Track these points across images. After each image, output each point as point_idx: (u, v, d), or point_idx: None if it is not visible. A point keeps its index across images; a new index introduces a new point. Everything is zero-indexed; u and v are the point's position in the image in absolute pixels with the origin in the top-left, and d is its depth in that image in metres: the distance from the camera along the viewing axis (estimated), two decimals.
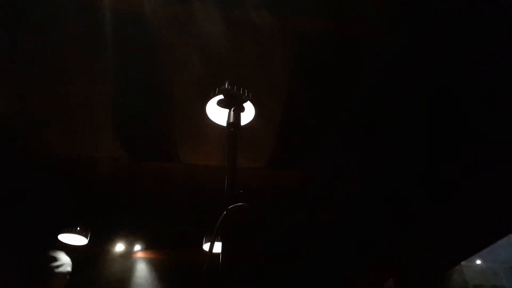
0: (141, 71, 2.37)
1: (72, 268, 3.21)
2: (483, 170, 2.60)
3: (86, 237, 3.85)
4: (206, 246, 4.08)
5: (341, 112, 2.71)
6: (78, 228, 3.75)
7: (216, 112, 1.69)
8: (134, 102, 2.64)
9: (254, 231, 3.62)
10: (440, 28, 2.06)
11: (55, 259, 3.10)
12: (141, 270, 4.74)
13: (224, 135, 1.40)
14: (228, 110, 1.46)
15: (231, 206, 1.19)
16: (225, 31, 2.09)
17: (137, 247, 4.86)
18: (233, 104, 1.46)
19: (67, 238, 3.82)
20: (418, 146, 2.87)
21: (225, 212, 1.18)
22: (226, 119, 1.45)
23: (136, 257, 4.83)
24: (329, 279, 4.82)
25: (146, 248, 4.88)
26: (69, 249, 3.57)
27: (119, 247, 4.81)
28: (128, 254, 4.81)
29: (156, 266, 4.79)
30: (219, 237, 1.19)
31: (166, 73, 2.38)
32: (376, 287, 4.04)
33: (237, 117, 1.44)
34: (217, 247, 1.17)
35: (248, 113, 1.72)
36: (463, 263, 3.02)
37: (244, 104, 1.50)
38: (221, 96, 1.52)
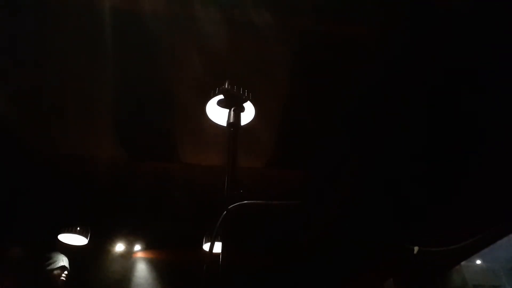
0: (141, 71, 2.37)
1: (72, 268, 3.22)
2: (484, 169, 2.60)
3: (86, 237, 3.85)
4: (206, 246, 4.08)
5: (341, 112, 2.71)
6: (78, 228, 3.75)
7: (216, 112, 1.69)
8: (134, 102, 2.64)
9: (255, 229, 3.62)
10: (440, 27, 2.06)
11: (54, 259, 3.13)
12: (141, 270, 4.74)
13: (224, 135, 1.41)
14: (228, 110, 1.47)
15: (231, 206, 1.19)
16: (225, 31, 2.09)
17: (137, 247, 4.86)
18: (233, 104, 1.46)
19: (67, 238, 3.82)
20: (418, 146, 2.87)
21: (225, 212, 1.18)
22: (226, 119, 1.45)
23: (136, 257, 4.83)
24: (329, 279, 4.81)
25: (146, 248, 4.88)
26: (69, 249, 3.57)
27: (119, 247, 4.80)
28: (128, 254, 4.81)
29: (156, 266, 4.78)
30: (219, 237, 1.19)
31: (166, 73, 2.38)
32: (376, 287, 4.04)
33: (237, 117, 1.44)
34: (217, 247, 1.17)
35: (248, 113, 1.72)
36: (463, 263, 3.02)
37: (244, 104, 1.50)
38: (221, 96, 1.52)
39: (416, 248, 2.78)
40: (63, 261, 3.17)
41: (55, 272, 3.07)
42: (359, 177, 3.39)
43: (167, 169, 3.46)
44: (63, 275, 3.17)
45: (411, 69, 2.30)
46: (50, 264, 3.08)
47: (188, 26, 2.06)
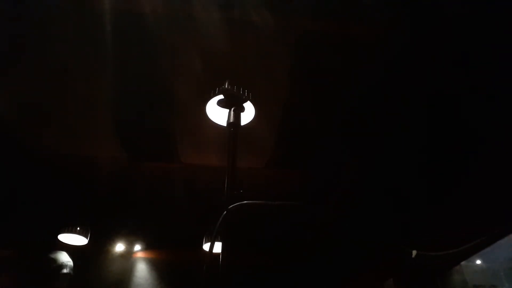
0: (141, 71, 2.37)
1: (73, 268, 3.21)
2: (484, 169, 2.60)
3: (86, 237, 3.85)
4: (206, 246, 4.08)
5: (341, 112, 2.71)
6: (78, 228, 3.76)
7: (216, 112, 1.69)
8: (134, 102, 2.64)
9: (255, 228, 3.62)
10: (440, 28, 2.06)
11: (56, 259, 3.11)
12: (141, 270, 4.74)
13: (224, 135, 1.41)
14: (228, 110, 1.47)
15: (231, 206, 1.19)
16: (225, 31, 2.09)
17: (137, 247, 4.86)
18: (233, 104, 1.47)
19: (67, 238, 3.82)
20: (418, 146, 2.88)
21: (225, 212, 1.18)
22: (226, 119, 1.45)
23: (136, 257, 4.83)
24: (329, 279, 4.82)
25: (146, 248, 4.88)
26: (69, 249, 3.57)
27: (119, 247, 4.80)
28: (128, 254, 4.81)
29: (156, 266, 4.79)
30: (219, 237, 1.19)
31: (166, 73, 2.38)
32: (376, 287, 4.04)
33: (237, 117, 1.44)
34: (217, 247, 1.17)
35: (248, 113, 1.72)
36: (463, 263, 3.02)
37: (244, 104, 1.50)
38: (221, 96, 1.52)
39: (414, 252, 2.78)
40: (67, 267, 3.14)
41: (59, 277, 3.05)
42: (359, 177, 3.39)
43: (167, 169, 3.46)
44: (67, 279, 3.14)
45: (411, 69, 2.30)
46: (56, 268, 3.05)
47: (188, 26, 2.06)
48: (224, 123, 1.49)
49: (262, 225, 3.85)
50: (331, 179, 3.46)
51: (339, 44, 2.20)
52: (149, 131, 2.93)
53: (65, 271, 3.05)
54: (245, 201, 1.20)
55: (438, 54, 2.19)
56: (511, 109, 2.30)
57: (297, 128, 2.89)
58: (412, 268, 3.24)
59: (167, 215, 4.18)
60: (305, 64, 2.33)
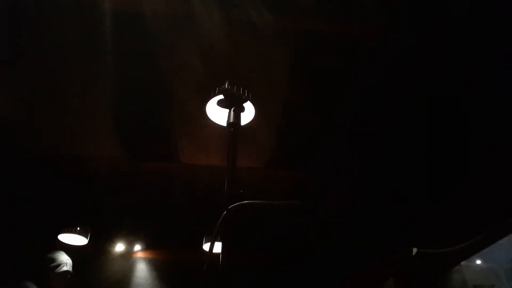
0: (141, 71, 2.37)
1: (72, 268, 3.21)
2: (483, 169, 2.60)
3: (86, 237, 3.85)
4: (206, 246, 4.08)
5: (341, 112, 2.71)
6: (78, 228, 3.75)
7: (216, 112, 1.69)
8: (134, 102, 2.64)
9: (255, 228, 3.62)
10: (440, 28, 2.06)
11: (55, 259, 3.11)
12: (141, 270, 4.74)
13: (224, 135, 1.41)
14: (228, 110, 1.47)
15: (231, 206, 1.19)
16: (225, 31, 2.09)
17: (137, 247, 4.86)
18: (233, 104, 1.47)
19: (67, 238, 3.82)
20: (418, 146, 2.87)
21: (225, 212, 1.18)
22: (226, 119, 1.45)
23: (136, 257, 4.83)
24: (329, 279, 4.81)
25: (146, 248, 4.88)
26: (69, 249, 3.57)
27: (119, 247, 4.80)
28: (128, 254, 4.81)
29: (156, 266, 4.78)
30: (219, 237, 1.19)
31: (166, 73, 2.38)
32: (376, 287, 4.04)
33: (237, 117, 1.44)
34: (217, 247, 1.17)
35: (248, 113, 1.72)
36: (463, 263, 3.02)
37: (244, 104, 1.50)
38: (221, 96, 1.52)
39: (414, 250, 2.78)
40: (67, 265, 3.14)
41: (58, 276, 3.05)
42: (359, 177, 3.39)
43: (167, 169, 3.46)
44: (66, 278, 3.14)
45: (411, 69, 2.30)
46: (54, 267, 3.05)
47: (188, 26, 2.06)
48: (224, 123, 1.49)
49: (262, 225, 3.85)
50: (331, 179, 3.46)
51: (339, 44, 2.20)
52: (149, 131, 2.93)
53: (64, 269, 3.05)
54: (245, 201, 1.20)
55: (438, 54, 2.19)
56: (511, 109, 2.29)
57: (297, 128, 2.89)
58: (412, 267, 3.24)
59: (167, 215, 4.17)
60: (305, 64, 2.33)
